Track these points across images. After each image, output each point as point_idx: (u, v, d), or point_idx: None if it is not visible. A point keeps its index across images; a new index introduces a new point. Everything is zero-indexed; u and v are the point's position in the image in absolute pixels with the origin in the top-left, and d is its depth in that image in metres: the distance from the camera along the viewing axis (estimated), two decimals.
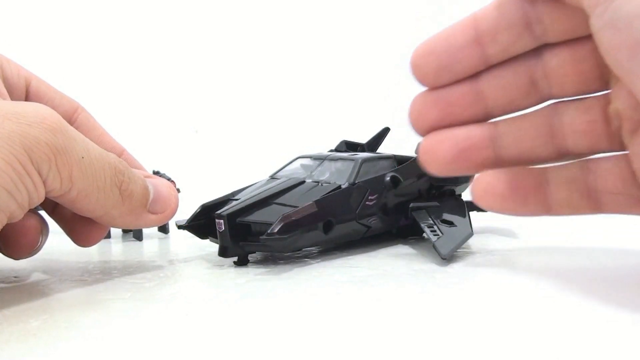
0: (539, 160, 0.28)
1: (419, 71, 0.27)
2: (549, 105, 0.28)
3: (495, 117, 0.29)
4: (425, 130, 0.28)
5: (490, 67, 0.28)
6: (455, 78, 0.28)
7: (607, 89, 0.27)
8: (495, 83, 0.28)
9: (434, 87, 0.28)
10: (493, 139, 0.28)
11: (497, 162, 0.28)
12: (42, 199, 0.26)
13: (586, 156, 0.28)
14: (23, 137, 0.25)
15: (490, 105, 0.28)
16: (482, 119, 0.28)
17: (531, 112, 0.28)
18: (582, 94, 0.27)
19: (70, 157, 0.26)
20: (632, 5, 0.22)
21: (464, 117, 0.28)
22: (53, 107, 0.27)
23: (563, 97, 0.28)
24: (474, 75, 0.28)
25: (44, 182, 0.26)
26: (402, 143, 0.42)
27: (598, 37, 0.24)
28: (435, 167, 0.28)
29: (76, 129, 0.28)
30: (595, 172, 0.27)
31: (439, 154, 0.28)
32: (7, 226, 0.27)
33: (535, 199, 0.28)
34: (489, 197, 0.29)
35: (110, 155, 0.29)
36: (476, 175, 0.30)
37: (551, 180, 0.28)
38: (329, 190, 0.35)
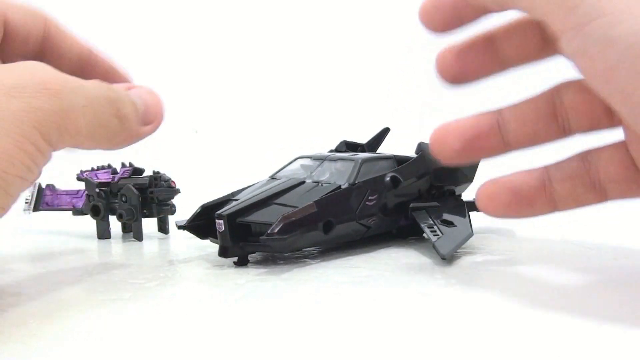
0: (544, 140, 0.28)
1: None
2: (551, 88, 0.28)
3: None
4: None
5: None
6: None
7: None
8: None
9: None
10: (499, 125, 0.28)
11: (505, 147, 0.28)
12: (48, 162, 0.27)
13: (588, 133, 0.28)
14: (31, 112, 0.25)
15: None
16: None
17: (534, 96, 0.28)
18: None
19: (74, 111, 0.26)
20: (603, 31, 0.22)
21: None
22: (26, 35, 0.28)
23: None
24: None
25: (54, 147, 0.26)
26: (402, 143, 0.42)
27: (571, 61, 0.24)
28: (446, 156, 0.28)
29: (51, 45, 0.29)
30: (597, 163, 0.27)
31: (447, 143, 0.28)
32: None
33: (540, 199, 0.28)
34: (493, 204, 0.28)
35: (102, 87, 0.28)
36: (479, 186, 0.29)
37: (553, 177, 0.28)
38: (329, 190, 0.35)
